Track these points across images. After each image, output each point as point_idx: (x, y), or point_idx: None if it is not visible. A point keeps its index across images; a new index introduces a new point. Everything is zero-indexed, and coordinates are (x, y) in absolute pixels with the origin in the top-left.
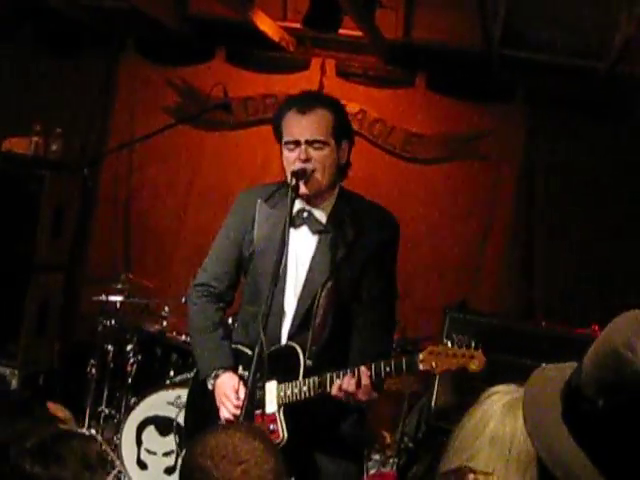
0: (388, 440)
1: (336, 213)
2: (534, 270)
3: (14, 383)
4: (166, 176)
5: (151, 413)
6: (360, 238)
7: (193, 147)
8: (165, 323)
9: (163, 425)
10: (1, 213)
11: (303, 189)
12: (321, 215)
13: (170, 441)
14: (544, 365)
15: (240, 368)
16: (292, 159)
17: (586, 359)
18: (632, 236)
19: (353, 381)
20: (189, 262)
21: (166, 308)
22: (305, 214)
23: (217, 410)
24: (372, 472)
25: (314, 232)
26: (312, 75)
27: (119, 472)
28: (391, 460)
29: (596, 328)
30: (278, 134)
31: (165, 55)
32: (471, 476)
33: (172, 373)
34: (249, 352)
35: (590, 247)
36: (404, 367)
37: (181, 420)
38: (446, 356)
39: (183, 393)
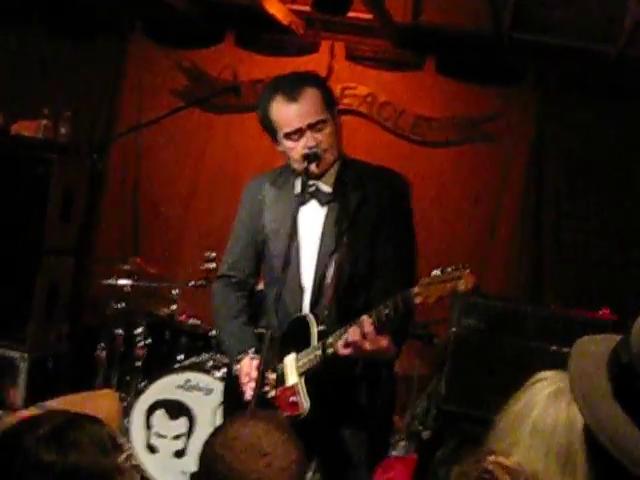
0: (398, 424)
1: (340, 180)
2: (544, 254)
3: (23, 367)
4: (175, 159)
5: (161, 397)
6: (366, 201)
7: (202, 130)
8: (174, 306)
9: (173, 409)
10: (10, 197)
11: (315, 169)
12: (326, 186)
13: (180, 425)
14: (581, 339)
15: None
16: (299, 148)
17: (635, 337)
18: None
19: (358, 331)
20: (198, 245)
21: (175, 291)
22: (312, 188)
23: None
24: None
25: (323, 204)
26: (321, 58)
27: (129, 455)
28: (400, 443)
29: (607, 311)
30: (270, 128)
31: (174, 38)
32: (491, 457)
33: (181, 357)
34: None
35: (600, 230)
36: (400, 304)
37: (191, 404)
38: (436, 283)
39: (192, 376)
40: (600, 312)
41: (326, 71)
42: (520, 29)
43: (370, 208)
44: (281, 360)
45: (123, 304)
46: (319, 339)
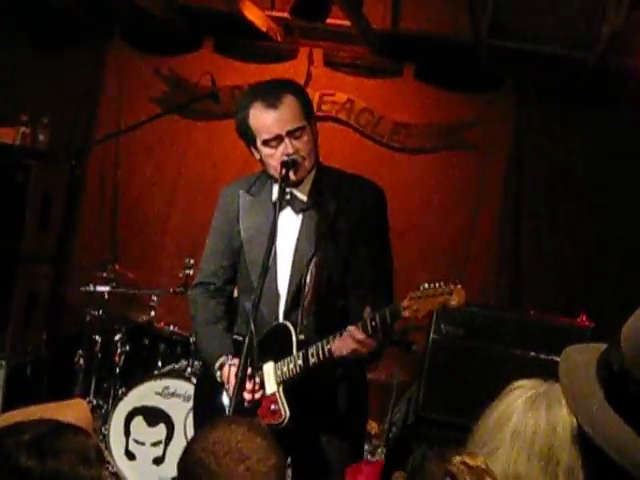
0: (376, 430)
1: (316, 189)
2: (522, 260)
3: (2, 374)
4: (153, 166)
5: (139, 403)
6: (341, 210)
7: (181, 137)
8: (153, 313)
9: (151, 415)
10: None
11: (292, 177)
12: (302, 194)
13: (158, 431)
14: (566, 349)
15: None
16: (278, 155)
17: (625, 343)
18: (621, 226)
19: (349, 340)
20: (177, 252)
21: (154, 298)
22: (287, 196)
23: (219, 398)
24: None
25: (298, 212)
26: (300, 64)
27: (107, 463)
28: (379, 450)
29: (584, 317)
30: (248, 135)
31: (152, 45)
32: (457, 458)
33: (160, 363)
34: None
35: (578, 237)
36: (388, 318)
37: (170, 411)
38: (426, 297)
39: (171, 383)
40: (578, 319)
41: (304, 78)
42: (499, 36)
43: (347, 216)
44: (259, 367)
45: (101, 311)
46: (298, 348)
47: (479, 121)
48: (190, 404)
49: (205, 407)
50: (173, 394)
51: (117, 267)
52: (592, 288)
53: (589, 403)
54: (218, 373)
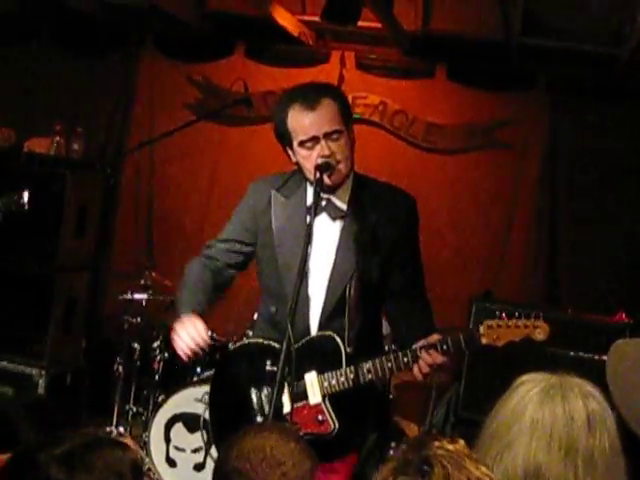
0: (416, 432)
1: (355, 198)
2: (558, 258)
3: (41, 383)
4: (188, 173)
5: (179, 410)
6: (382, 220)
7: (215, 143)
8: None
9: (191, 422)
10: (25, 213)
11: (327, 181)
12: (340, 201)
13: (198, 438)
14: (616, 343)
15: (268, 363)
16: (314, 157)
17: None
18: None
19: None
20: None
21: None
22: (324, 202)
23: (243, 402)
24: None
25: (334, 219)
26: (332, 68)
27: (148, 470)
28: None
29: (623, 315)
30: (285, 137)
31: (185, 51)
32: (436, 443)
33: (199, 370)
34: (274, 344)
35: (615, 233)
36: (463, 344)
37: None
38: (507, 327)
39: None
40: (616, 316)
41: (337, 81)
42: (530, 34)
43: (387, 227)
44: (298, 375)
45: (139, 318)
46: (347, 362)
47: (513, 120)
48: None
49: (221, 409)
50: None
51: (154, 274)
52: (630, 285)
53: (634, 396)
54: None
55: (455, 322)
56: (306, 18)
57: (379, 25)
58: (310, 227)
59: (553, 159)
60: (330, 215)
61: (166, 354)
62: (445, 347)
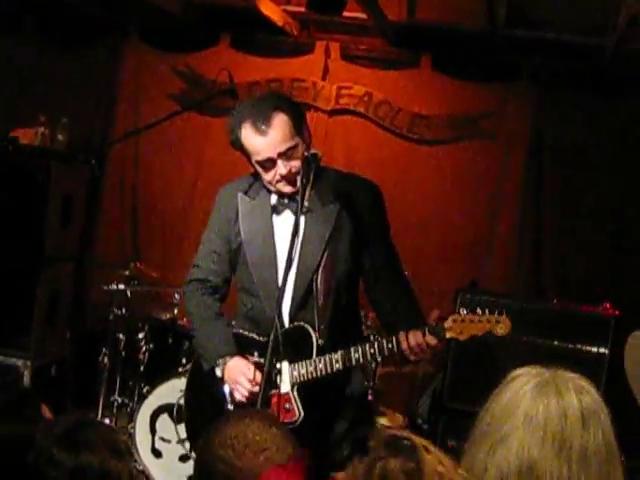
0: (401, 422)
1: (316, 192)
2: (544, 249)
3: (26, 374)
4: (173, 163)
5: (164, 401)
6: (344, 210)
7: (199, 134)
8: (176, 311)
9: (177, 413)
10: (9, 204)
11: (287, 191)
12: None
13: (184, 429)
14: (633, 333)
15: (256, 355)
16: (271, 176)
17: None
18: None
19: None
20: (197, 248)
21: (176, 296)
22: (286, 200)
23: (224, 396)
24: None
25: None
26: (317, 58)
27: (134, 461)
28: None
29: (608, 306)
30: (242, 150)
31: (169, 42)
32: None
33: (184, 361)
34: (256, 337)
35: (600, 225)
36: (428, 335)
37: None
38: (471, 322)
39: None
40: (602, 307)
41: (322, 71)
42: (515, 25)
43: (349, 216)
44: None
45: (124, 309)
46: (318, 353)
47: (497, 110)
48: None
49: (199, 404)
50: None
51: (139, 265)
52: (616, 275)
53: None
54: (220, 368)
55: (441, 313)
56: (291, 9)
57: (364, 15)
58: (297, 224)
59: (538, 150)
60: (293, 211)
61: (151, 345)
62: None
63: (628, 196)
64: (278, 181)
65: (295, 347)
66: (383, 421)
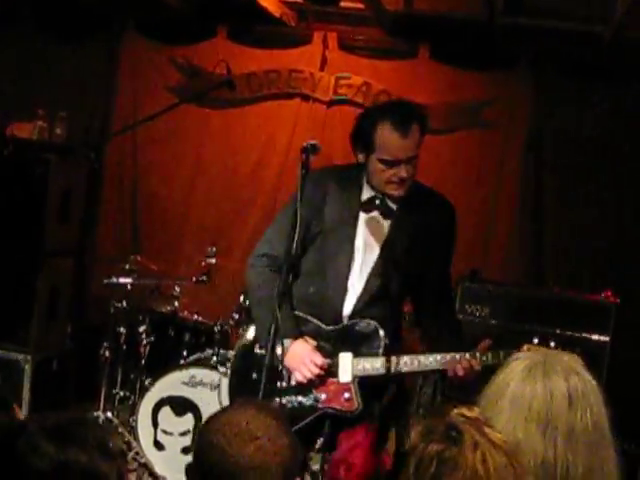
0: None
1: (405, 200)
2: (544, 238)
3: (27, 369)
4: (171, 156)
5: (166, 394)
6: (426, 224)
7: (198, 126)
8: (177, 303)
9: (178, 405)
10: (8, 198)
11: (401, 193)
12: (392, 201)
13: (186, 421)
14: None
15: (313, 339)
16: (389, 175)
17: None
18: None
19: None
20: (198, 241)
21: (177, 288)
22: (377, 201)
23: (279, 373)
24: None
25: (385, 218)
26: (315, 49)
27: (136, 454)
28: None
29: (609, 294)
30: (366, 145)
31: (167, 34)
32: (455, 410)
33: (185, 353)
34: (317, 322)
35: (600, 213)
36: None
37: (197, 400)
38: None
39: (197, 372)
40: (603, 295)
41: (320, 62)
42: (513, 13)
43: (430, 232)
44: (334, 353)
45: (125, 303)
46: (385, 352)
47: (496, 99)
48: (217, 392)
49: (248, 371)
50: (199, 383)
51: (139, 258)
52: (617, 263)
53: None
54: (285, 346)
55: (491, 343)
56: None
57: (361, 5)
58: (295, 215)
59: (537, 138)
60: (382, 213)
61: (152, 338)
62: (485, 359)
63: (629, 184)
64: (392, 182)
65: (361, 341)
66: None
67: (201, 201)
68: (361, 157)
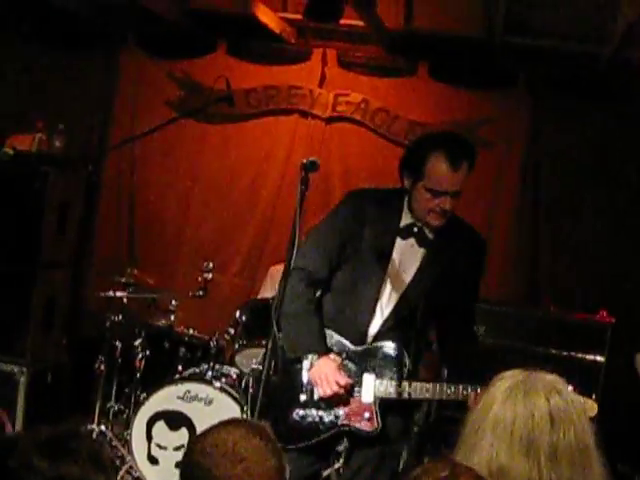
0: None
1: (441, 231)
2: (540, 256)
3: (22, 381)
4: (169, 170)
5: (161, 408)
6: (459, 255)
7: (196, 141)
8: (172, 317)
9: (173, 420)
10: (6, 210)
11: (439, 223)
12: (429, 232)
13: (180, 436)
14: None
15: (339, 355)
16: (433, 205)
17: None
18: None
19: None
20: (195, 255)
21: (173, 302)
22: (415, 229)
23: (302, 386)
24: None
25: (420, 246)
26: (314, 66)
27: (130, 467)
28: None
29: (604, 313)
30: (415, 172)
31: (166, 49)
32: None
33: (180, 367)
34: (342, 340)
35: (596, 232)
36: None
37: (191, 415)
38: None
39: (192, 387)
40: (598, 315)
41: (319, 78)
42: (512, 33)
43: (462, 264)
44: (359, 373)
45: (121, 316)
46: (407, 378)
47: (494, 118)
48: (212, 407)
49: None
50: (194, 398)
51: (135, 272)
52: (612, 283)
53: None
54: (309, 361)
55: None
56: (288, 16)
57: (361, 23)
58: (294, 229)
59: (535, 157)
60: (418, 242)
61: (148, 352)
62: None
63: (626, 203)
64: (433, 211)
65: (385, 363)
66: None
67: (198, 216)
68: (407, 183)
